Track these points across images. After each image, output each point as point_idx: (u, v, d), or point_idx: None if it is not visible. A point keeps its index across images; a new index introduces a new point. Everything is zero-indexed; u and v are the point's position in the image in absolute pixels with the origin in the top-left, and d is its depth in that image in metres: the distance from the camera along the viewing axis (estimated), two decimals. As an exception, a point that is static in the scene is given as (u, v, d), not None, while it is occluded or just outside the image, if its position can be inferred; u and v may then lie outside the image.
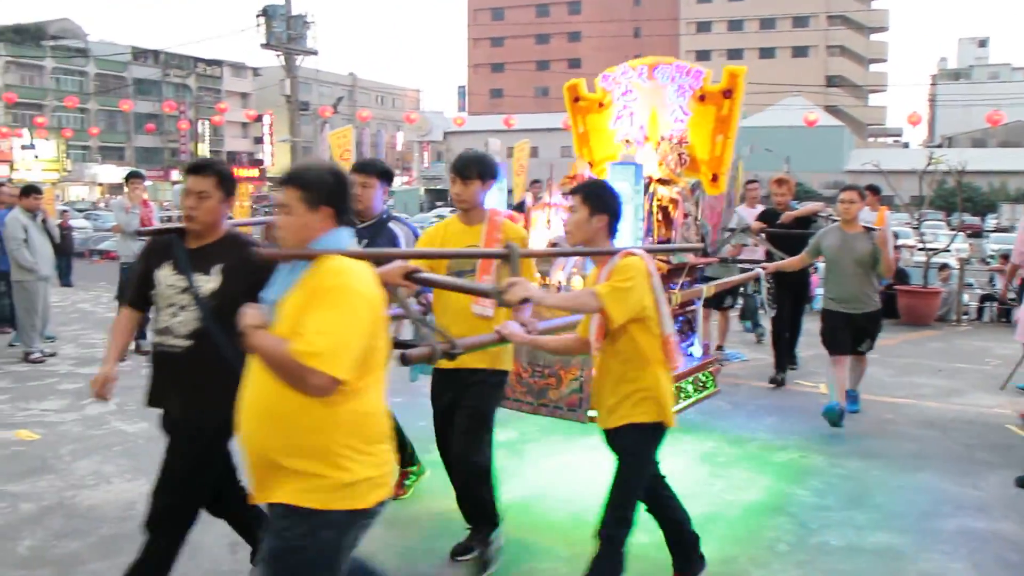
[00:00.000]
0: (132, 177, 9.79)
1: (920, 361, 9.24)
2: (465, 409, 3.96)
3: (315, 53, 34.03)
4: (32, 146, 44.14)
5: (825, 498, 5.04)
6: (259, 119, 48.60)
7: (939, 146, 43.08)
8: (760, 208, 8.74)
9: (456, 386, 3.98)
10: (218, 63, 63.81)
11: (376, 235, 4.30)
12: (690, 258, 5.33)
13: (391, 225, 4.43)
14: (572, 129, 6.68)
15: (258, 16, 32.66)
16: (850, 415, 6.51)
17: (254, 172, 49.24)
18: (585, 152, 6.46)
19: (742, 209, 8.60)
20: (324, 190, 2.54)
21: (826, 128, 49.50)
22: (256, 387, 2.50)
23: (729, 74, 5.74)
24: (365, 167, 4.45)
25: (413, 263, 3.07)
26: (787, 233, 7.77)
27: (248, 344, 2.41)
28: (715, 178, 5.79)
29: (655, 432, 3.39)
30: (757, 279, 6.98)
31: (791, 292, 8.13)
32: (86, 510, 4.74)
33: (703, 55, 68.36)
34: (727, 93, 5.72)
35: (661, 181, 5.41)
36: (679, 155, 5.96)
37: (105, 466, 5.43)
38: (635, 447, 3.37)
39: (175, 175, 45.91)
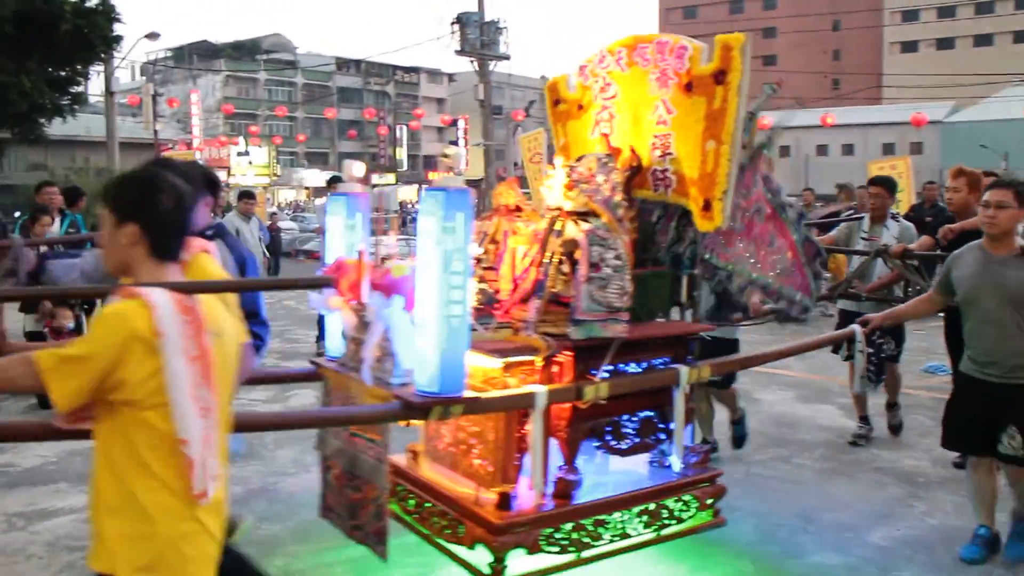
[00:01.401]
0: (333, 182, 9.93)
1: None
2: None
3: (507, 58, 34.29)
4: (246, 153, 46.24)
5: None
6: (454, 124, 48.75)
7: None
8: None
9: None
10: (415, 70, 64.67)
11: None
12: (616, 330, 3.29)
13: (214, 245, 3.36)
14: (554, 142, 4.73)
15: (452, 24, 32.86)
16: None
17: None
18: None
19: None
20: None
21: (1052, 121, 43.00)
22: None
23: (721, 47, 3.61)
24: None
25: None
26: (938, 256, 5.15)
27: None
28: (707, 206, 3.67)
29: None
30: (851, 339, 4.53)
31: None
32: (287, 496, 4.95)
33: (909, 46, 61.47)
34: (719, 76, 3.60)
35: (578, 215, 3.39)
36: (660, 173, 3.91)
37: (305, 456, 5.50)
38: None
39: (375, 179, 46.90)
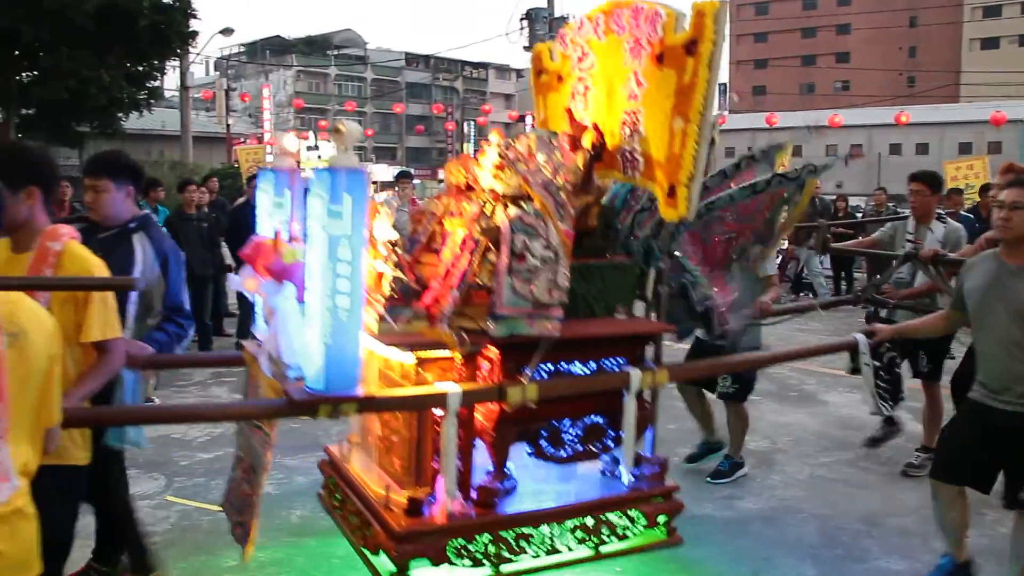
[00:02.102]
0: (401, 177, 9.94)
1: None
2: None
3: (575, 53, 33.16)
4: (316, 147, 46.80)
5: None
6: (521, 119, 48.44)
7: None
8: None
9: None
10: (484, 66, 64.45)
11: (113, 249, 3.24)
12: (544, 328, 2.88)
13: (135, 238, 3.39)
14: (535, 115, 4.37)
15: (522, 20, 32.51)
16: None
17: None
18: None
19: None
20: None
21: None
22: None
23: (696, 13, 3.13)
24: (93, 165, 3.43)
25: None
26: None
27: None
28: (672, 192, 3.24)
29: None
30: (854, 349, 3.99)
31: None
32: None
33: (990, 43, 58.48)
34: (690, 46, 3.15)
35: (511, 199, 2.99)
36: (629, 153, 3.50)
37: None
38: None
39: (442, 174, 47.16)
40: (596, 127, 3.52)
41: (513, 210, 2.89)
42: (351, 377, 2.57)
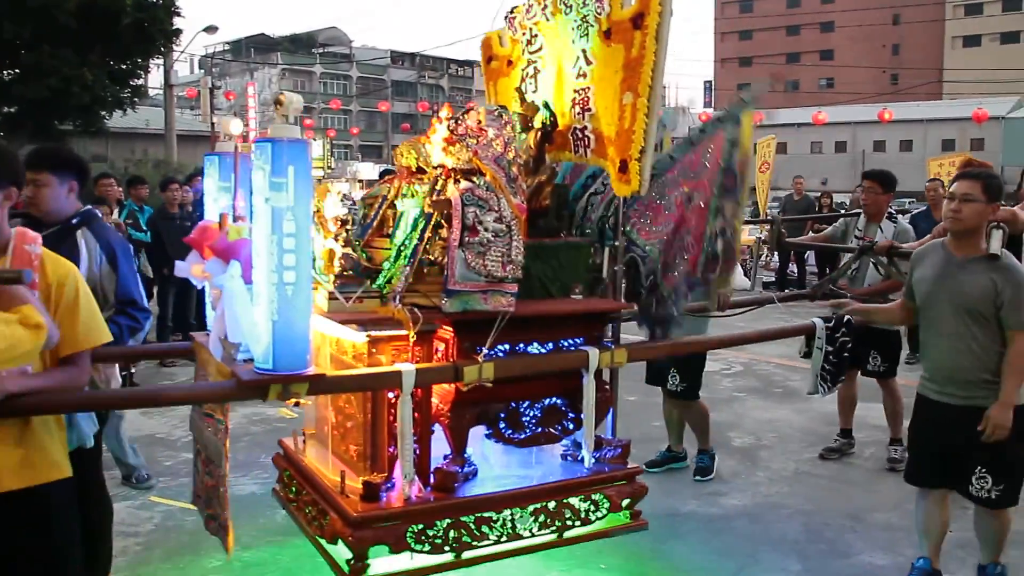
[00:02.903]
0: (385, 174, 9.58)
1: None
2: None
3: (561, 52, 33.11)
4: (301, 145, 46.56)
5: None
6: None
7: None
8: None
9: None
10: (469, 64, 64.24)
11: (57, 246, 2.95)
12: (499, 303, 2.82)
13: (79, 234, 3.31)
14: (487, 101, 4.32)
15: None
16: None
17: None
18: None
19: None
20: None
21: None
22: None
23: (641, -14, 3.11)
24: (33, 159, 3.30)
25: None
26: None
27: None
28: (623, 167, 3.18)
29: None
30: (811, 333, 3.99)
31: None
32: (331, 486, 5.05)
33: (972, 40, 58.74)
34: (637, 20, 3.10)
35: (462, 174, 2.93)
36: (580, 132, 3.45)
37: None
38: None
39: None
40: (547, 106, 3.48)
41: (464, 183, 2.84)
42: (301, 355, 2.51)
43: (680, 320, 3.32)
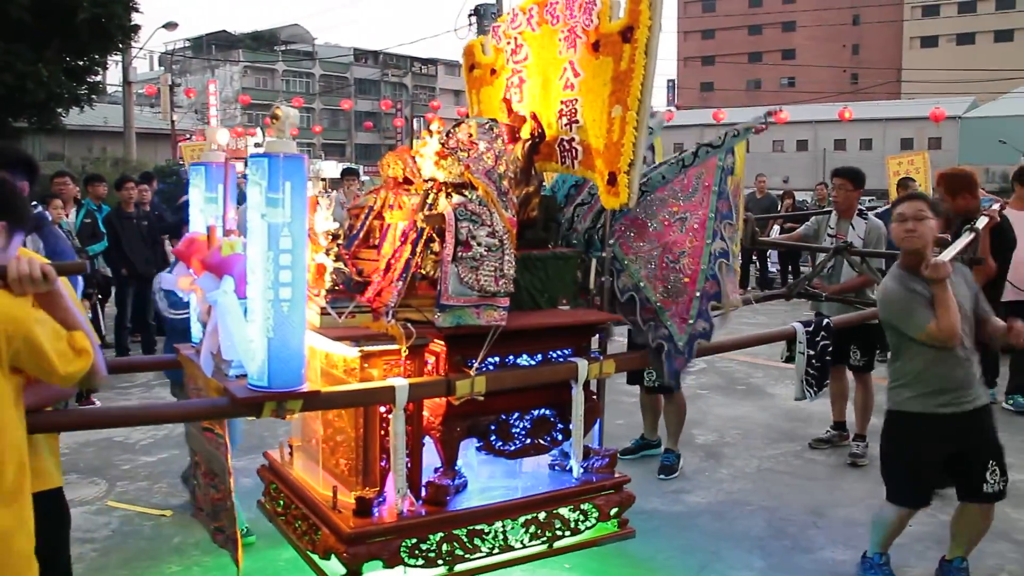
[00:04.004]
0: (346, 174, 9.79)
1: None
2: None
3: (524, 50, 33.12)
4: (263, 144, 45.94)
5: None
6: (467, 117, 48.30)
7: None
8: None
9: None
10: (433, 62, 64.08)
11: None
12: (492, 317, 2.84)
13: (28, 240, 3.23)
14: (469, 110, 4.35)
15: (470, 16, 32.23)
16: None
17: (461, 166, 48.94)
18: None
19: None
20: None
21: (1072, 117, 41.80)
22: None
23: (631, 0, 3.11)
24: None
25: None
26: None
27: None
28: (612, 179, 3.22)
29: None
30: (792, 338, 4.07)
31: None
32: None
33: (929, 41, 59.97)
34: (626, 33, 3.14)
35: (454, 187, 2.95)
36: (567, 143, 3.48)
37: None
38: None
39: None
40: (535, 117, 3.50)
41: (457, 198, 2.85)
42: (296, 372, 2.50)
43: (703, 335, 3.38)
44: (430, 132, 3.15)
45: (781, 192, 15.80)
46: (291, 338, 2.46)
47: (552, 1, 3.47)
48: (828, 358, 4.04)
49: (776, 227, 13.32)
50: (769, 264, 14.94)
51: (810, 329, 4.04)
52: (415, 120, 52.48)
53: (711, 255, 3.38)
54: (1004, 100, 46.98)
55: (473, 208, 2.82)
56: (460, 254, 2.78)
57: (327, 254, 2.86)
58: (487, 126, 3.15)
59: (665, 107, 60.76)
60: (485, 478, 3.29)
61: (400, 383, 2.77)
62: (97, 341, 2.29)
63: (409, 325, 2.79)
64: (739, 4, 67.54)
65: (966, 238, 4.08)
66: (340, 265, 2.88)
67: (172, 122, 31.40)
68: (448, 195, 2.90)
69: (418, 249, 2.85)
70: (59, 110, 20.66)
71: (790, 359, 4.13)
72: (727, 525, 4.49)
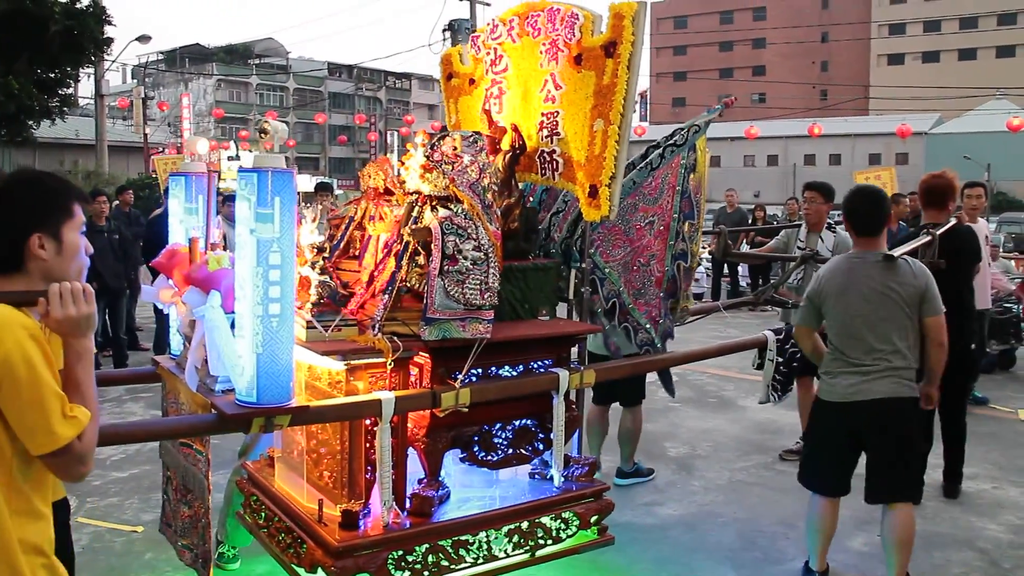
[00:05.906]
0: (320, 189, 9.65)
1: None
2: None
3: (499, 65, 33.30)
4: (237, 157, 45.60)
5: (1020, 535, 4.55)
6: (444, 130, 48.23)
7: None
8: None
9: None
10: (407, 76, 64.07)
11: None
12: (477, 330, 2.88)
13: None
14: (447, 120, 4.40)
15: (444, 31, 32.29)
16: None
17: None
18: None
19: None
20: None
21: (1033, 133, 42.71)
22: None
23: (613, 15, 3.18)
24: None
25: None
26: None
27: None
28: (594, 192, 3.28)
29: None
30: (763, 346, 4.26)
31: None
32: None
33: (896, 59, 61.10)
34: (609, 48, 3.20)
35: (439, 201, 2.99)
36: (548, 155, 3.53)
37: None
38: None
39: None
40: (515, 128, 3.55)
41: (443, 211, 2.89)
42: (284, 387, 2.51)
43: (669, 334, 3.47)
44: (415, 145, 3.18)
45: (753, 206, 16.01)
46: (280, 353, 2.48)
47: (534, 13, 3.53)
48: (795, 364, 4.15)
49: (745, 242, 13.49)
50: (739, 278, 15.12)
51: (780, 337, 4.15)
52: (389, 134, 52.49)
53: (672, 257, 3.48)
54: (968, 117, 47.95)
55: (459, 222, 2.86)
56: (446, 268, 2.81)
57: (312, 267, 2.88)
58: (471, 139, 3.19)
59: (637, 122, 61.01)
60: (459, 487, 3.30)
61: (387, 396, 2.79)
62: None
63: (395, 338, 2.82)
64: (710, 21, 68.39)
65: (922, 239, 4.26)
66: (325, 278, 2.90)
67: (145, 135, 31.13)
68: (433, 208, 2.94)
69: (403, 262, 2.88)
70: (30, 123, 20.45)
71: (761, 366, 4.21)
72: (699, 537, 4.53)
